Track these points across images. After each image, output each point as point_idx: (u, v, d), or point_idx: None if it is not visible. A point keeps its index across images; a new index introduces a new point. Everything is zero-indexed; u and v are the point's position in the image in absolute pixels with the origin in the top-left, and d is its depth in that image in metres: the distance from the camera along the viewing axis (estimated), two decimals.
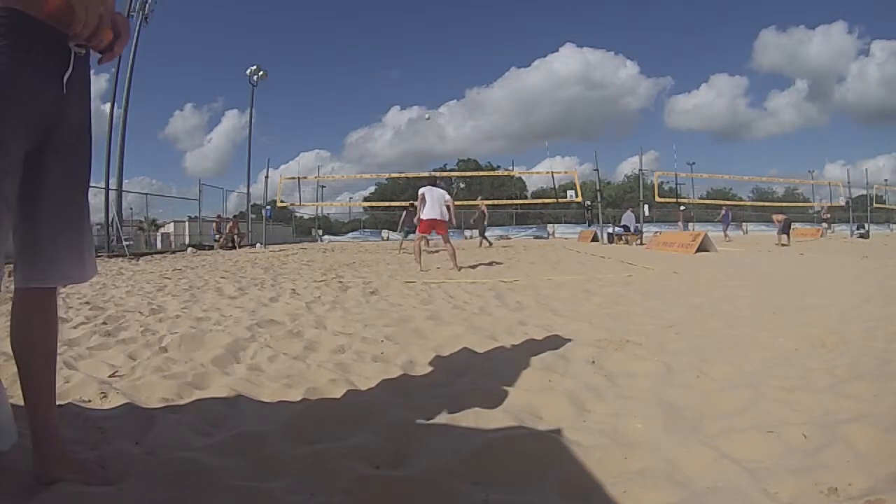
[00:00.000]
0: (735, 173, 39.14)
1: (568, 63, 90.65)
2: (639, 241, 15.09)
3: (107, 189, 13.68)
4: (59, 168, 1.04)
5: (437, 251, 10.66)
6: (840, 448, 1.22)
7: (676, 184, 26.94)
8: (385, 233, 29.64)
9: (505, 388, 1.77)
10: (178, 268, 8.00)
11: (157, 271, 7.31)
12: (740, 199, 42.07)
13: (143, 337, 2.66)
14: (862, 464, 1.15)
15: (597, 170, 19.53)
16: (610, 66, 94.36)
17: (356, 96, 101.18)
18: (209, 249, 16.13)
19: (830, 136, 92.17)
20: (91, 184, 1.20)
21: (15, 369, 1.10)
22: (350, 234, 33.04)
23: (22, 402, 1.11)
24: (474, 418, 1.50)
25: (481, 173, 43.89)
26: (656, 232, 17.71)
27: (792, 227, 16.90)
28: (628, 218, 16.48)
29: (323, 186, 28.46)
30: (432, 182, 7.64)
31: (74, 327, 2.92)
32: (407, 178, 29.58)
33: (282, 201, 21.31)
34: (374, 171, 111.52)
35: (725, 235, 18.19)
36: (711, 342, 2.45)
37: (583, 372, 2.00)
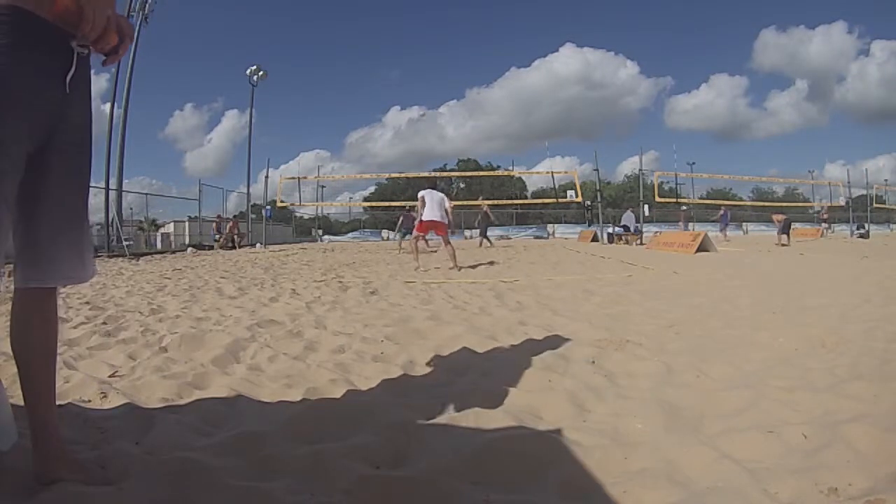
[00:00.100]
0: (735, 173, 39.13)
1: (568, 63, 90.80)
2: (639, 241, 15.09)
3: (107, 189, 13.69)
4: (61, 168, 1.04)
5: (435, 250, 10.67)
6: (840, 448, 1.22)
7: (676, 184, 26.95)
8: (385, 233, 29.66)
9: (505, 388, 1.77)
10: (178, 268, 8.00)
11: (157, 271, 7.31)
12: (740, 199, 42.09)
13: (143, 337, 2.66)
14: (862, 464, 1.15)
15: (597, 170, 19.56)
16: (610, 66, 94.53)
17: (356, 96, 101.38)
18: (209, 249, 16.13)
19: (830, 136, 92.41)
20: (91, 184, 1.20)
21: (15, 369, 1.10)
22: (350, 234, 33.06)
23: (22, 402, 1.11)
24: (474, 418, 1.50)
25: (481, 173, 43.93)
26: (656, 232, 17.72)
27: (792, 227, 16.90)
28: (628, 218, 16.48)
29: (323, 186, 28.49)
30: (432, 185, 7.72)
31: (74, 327, 2.92)
32: (407, 178, 29.61)
33: (282, 201, 21.30)
34: (374, 171, 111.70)
35: (725, 236, 18.19)
36: (711, 342, 2.45)
37: (583, 372, 1.99)
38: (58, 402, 1.33)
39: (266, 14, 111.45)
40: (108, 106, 14.40)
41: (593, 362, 2.13)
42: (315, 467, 1.21)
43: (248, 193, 22.59)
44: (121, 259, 10.67)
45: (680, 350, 2.32)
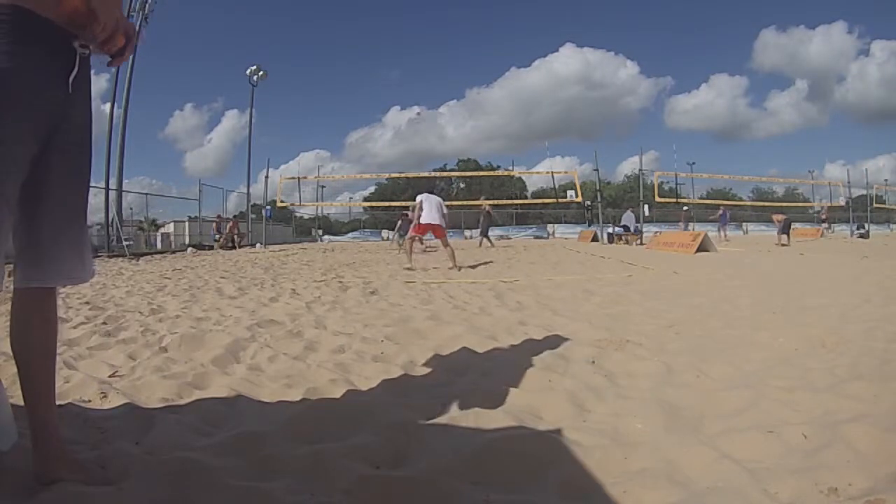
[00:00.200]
0: (735, 173, 39.10)
1: (568, 63, 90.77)
2: (639, 241, 15.09)
3: (107, 189, 13.68)
4: (63, 168, 1.04)
5: (435, 250, 10.67)
6: (840, 448, 1.22)
7: (676, 184, 26.94)
8: (385, 233, 29.62)
9: (505, 388, 1.77)
10: (178, 268, 8.00)
11: (157, 271, 7.31)
12: (740, 199, 42.08)
13: (143, 337, 2.66)
14: (862, 464, 1.15)
15: (597, 170, 19.56)
16: (610, 66, 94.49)
17: (356, 96, 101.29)
18: (209, 249, 16.13)
19: (830, 136, 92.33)
20: (91, 184, 1.20)
21: (15, 369, 1.10)
22: (350, 234, 33.06)
23: (22, 402, 1.11)
24: (474, 418, 1.50)
25: (481, 173, 43.90)
26: (656, 232, 17.72)
27: (792, 227, 16.90)
28: (628, 218, 16.48)
29: (323, 186, 28.48)
30: (430, 189, 7.85)
31: (74, 327, 2.92)
32: (407, 178, 29.63)
33: (282, 201, 21.31)
34: (374, 171, 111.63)
35: (725, 236, 18.18)
36: (711, 342, 2.45)
37: (583, 372, 1.99)
38: (58, 402, 1.33)
39: (266, 14, 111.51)
40: (108, 106, 14.42)
41: (593, 362, 2.13)
42: (315, 467, 1.21)
43: (248, 193, 22.61)
44: (121, 259, 10.67)
45: (680, 350, 2.32)
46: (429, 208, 7.32)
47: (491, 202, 17.26)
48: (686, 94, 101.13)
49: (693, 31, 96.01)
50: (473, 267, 7.41)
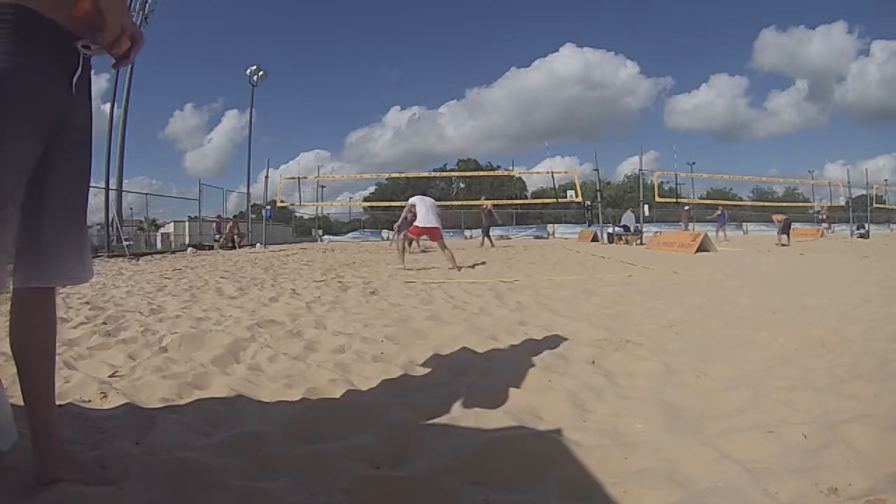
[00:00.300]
0: (735, 173, 39.08)
1: (568, 63, 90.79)
2: (639, 241, 15.09)
3: (107, 189, 13.68)
4: (65, 168, 1.05)
5: (434, 250, 10.66)
6: (840, 448, 1.22)
7: (676, 184, 26.93)
8: (385, 233, 29.63)
9: (505, 388, 1.77)
10: (178, 268, 8.00)
11: (157, 271, 7.31)
12: (740, 199, 42.08)
13: (143, 337, 2.66)
14: (862, 464, 1.15)
15: (597, 170, 19.55)
16: (610, 66, 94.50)
17: (356, 96, 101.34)
18: (209, 249, 16.13)
19: (830, 136, 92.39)
20: (91, 184, 1.20)
21: (15, 369, 1.10)
22: (350, 234, 33.06)
23: (22, 402, 1.11)
24: (474, 418, 1.50)
25: (481, 173, 43.91)
26: (656, 232, 17.72)
27: (792, 227, 16.90)
28: (628, 218, 16.47)
29: (323, 186, 28.47)
30: (423, 191, 7.83)
31: (74, 327, 2.92)
32: (407, 178, 29.62)
33: (282, 201, 21.30)
34: (374, 171, 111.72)
35: (725, 236, 18.18)
36: (711, 342, 2.45)
37: (583, 372, 2.00)
38: (58, 402, 1.34)
39: (266, 14, 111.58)
40: (108, 106, 14.42)
41: (593, 362, 2.13)
42: (315, 467, 1.21)
43: (248, 193, 22.60)
44: (121, 259, 10.67)
45: (680, 350, 2.32)
46: (425, 211, 7.28)
47: (492, 202, 17.23)
48: (686, 94, 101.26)
49: (693, 31, 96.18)
50: (472, 267, 7.41)
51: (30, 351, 1.09)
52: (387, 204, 32.61)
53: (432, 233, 7.33)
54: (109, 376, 1.99)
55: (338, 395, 1.76)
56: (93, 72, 1.13)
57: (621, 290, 4.48)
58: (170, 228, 24.79)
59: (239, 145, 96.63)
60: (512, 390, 1.75)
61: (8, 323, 1.09)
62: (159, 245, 20.56)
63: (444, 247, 7.32)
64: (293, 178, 22.29)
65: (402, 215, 7.81)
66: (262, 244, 18.64)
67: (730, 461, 1.19)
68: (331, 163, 75.30)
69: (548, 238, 28.46)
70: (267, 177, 21.26)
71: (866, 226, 24.39)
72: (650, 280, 5.34)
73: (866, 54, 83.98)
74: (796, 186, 37.22)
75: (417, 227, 7.32)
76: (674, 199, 22.86)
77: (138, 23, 14.14)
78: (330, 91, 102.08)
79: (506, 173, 34.50)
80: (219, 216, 20.33)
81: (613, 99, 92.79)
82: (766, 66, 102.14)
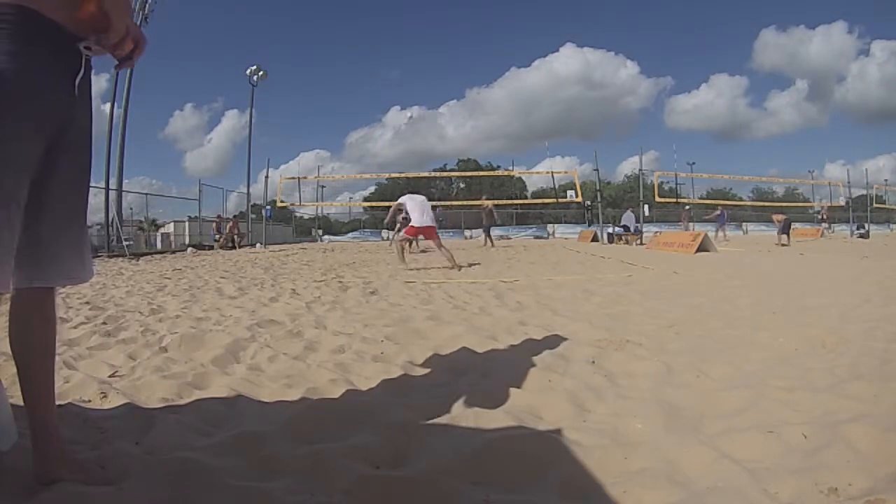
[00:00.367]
0: (735, 173, 39.09)
1: (568, 63, 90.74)
2: (639, 241, 15.09)
3: (107, 189, 13.69)
4: (66, 169, 1.05)
5: (434, 250, 10.66)
6: (840, 448, 1.22)
7: (676, 184, 26.94)
8: (385, 233, 29.63)
9: (505, 388, 1.77)
10: (178, 268, 8.00)
11: (157, 271, 7.31)
12: (740, 199, 42.08)
13: (143, 337, 2.66)
14: (862, 464, 1.15)
15: (597, 170, 19.56)
16: (610, 66, 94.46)
17: (356, 96, 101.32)
18: (209, 249, 16.13)
19: (830, 136, 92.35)
20: (91, 184, 1.20)
21: (15, 369, 1.10)
22: (350, 234, 33.06)
23: (22, 402, 1.11)
24: (474, 418, 1.50)
25: (481, 173, 43.93)
26: (656, 232, 17.72)
27: (792, 227, 16.89)
28: (628, 218, 16.48)
29: (323, 186, 28.47)
30: (413, 189, 7.80)
31: (74, 327, 2.92)
32: (407, 178, 29.58)
33: (282, 201, 21.29)
34: (374, 171, 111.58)
35: (724, 236, 18.17)
36: (711, 342, 2.45)
37: (583, 372, 2.00)
38: (58, 402, 1.33)
39: (266, 14, 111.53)
40: (108, 106, 14.42)
41: (593, 362, 2.13)
42: (315, 467, 1.21)
43: (248, 193, 22.61)
44: (121, 259, 10.67)
45: (680, 350, 2.32)
46: (420, 211, 7.20)
47: (493, 201, 17.21)
48: (686, 94, 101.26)
49: (693, 31, 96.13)
50: (470, 265, 7.41)
51: (30, 351, 1.09)
52: (387, 204, 32.47)
53: (428, 232, 7.27)
54: (109, 376, 1.99)
55: (338, 395, 1.76)
56: (93, 72, 1.13)
57: (621, 290, 4.48)
58: (170, 228, 24.80)
59: (239, 145, 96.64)
60: (512, 390, 1.75)
61: (8, 323, 1.09)
62: (159, 245, 20.56)
63: (440, 245, 7.29)
64: (293, 178, 22.29)
65: (389, 215, 7.80)
66: (262, 244, 18.64)
67: (730, 461, 1.19)
68: (331, 163, 75.32)
69: (548, 238, 28.46)
70: (267, 177, 21.29)
71: (866, 226, 24.39)
72: (650, 280, 5.34)
73: (866, 54, 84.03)
74: (796, 186, 37.25)
75: (413, 227, 7.25)
76: (674, 199, 22.87)
77: (138, 23, 14.16)
78: (330, 91, 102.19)
79: (506, 173, 34.51)
80: (219, 216, 20.33)
81: (613, 99, 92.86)
82: (766, 66, 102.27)
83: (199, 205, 20.14)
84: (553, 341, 2.49)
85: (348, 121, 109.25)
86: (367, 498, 1.09)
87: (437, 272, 6.57)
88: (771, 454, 1.24)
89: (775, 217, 16.09)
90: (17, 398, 1.20)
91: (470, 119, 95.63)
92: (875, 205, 26.59)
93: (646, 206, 18.12)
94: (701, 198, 26.89)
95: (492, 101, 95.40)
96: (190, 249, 15.15)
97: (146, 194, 20.58)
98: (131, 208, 20.71)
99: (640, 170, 19.17)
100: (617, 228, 17.27)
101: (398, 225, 14.53)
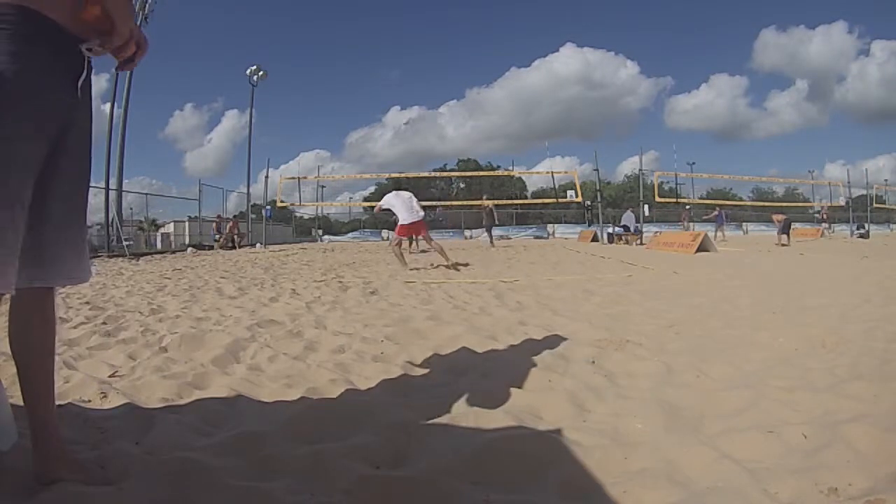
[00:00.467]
0: (735, 173, 39.07)
1: (568, 63, 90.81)
2: (639, 241, 15.09)
3: (107, 189, 13.69)
4: (67, 169, 1.05)
5: (425, 251, 10.66)
6: (840, 448, 1.22)
7: (676, 184, 26.93)
8: (385, 233, 29.64)
9: (505, 388, 1.77)
10: (178, 268, 8.00)
11: (157, 271, 7.31)
12: (740, 199, 42.08)
13: (143, 337, 2.66)
14: (862, 464, 1.15)
15: (597, 170, 19.55)
16: (610, 66, 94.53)
17: (356, 96, 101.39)
18: (209, 249, 16.13)
19: (830, 136, 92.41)
20: (91, 184, 1.21)
21: (15, 369, 1.10)
22: (350, 234, 33.08)
23: (22, 402, 1.11)
24: (474, 418, 1.50)
25: (481, 173, 43.91)
26: (656, 232, 17.72)
27: (792, 227, 16.89)
28: (628, 218, 16.48)
29: (323, 186, 28.45)
30: (397, 187, 7.77)
31: (74, 327, 2.92)
32: (407, 178, 29.57)
33: (282, 201, 21.29)
34: (374, 171, 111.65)
35: (723, 236, 18.17)
36: (711, 342, 2.45)
37: (583, 372, 2.00)
38: (58, 402, 1.34)
39: (266, 14, 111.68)
40: (108, 106, 14.43)
41: (593, 362, 2.13)
42: (315, 467, 1.21)
43: (248, 193, 22.62)
44: (121, 259, 10.67)
45: (680, 350, 2.32)
46: (407, 208, 7.08)
47: (494, 201, 17.19)
48: (686, 94, 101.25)
49: (693, 31, 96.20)
50: (466, 265, 7.40)
51: (29, 351, 1.09)
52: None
53: (417, 227, 7.16)
54: (109, 376, 1.99)
55: (338, 395, 1.76)
56: (93, 72, 1.13)
57: (621, 290, 4.48)
58: (170, 228, 24.80)
59: (239, 145, 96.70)
60: (512, 390, 1.75)
61: (8, 323, 1.09)
62: (159, 245, 20.57)
63: (429, 239, 7.18)
64: (293, 178, 22.28)
65: (377, 208, 7.73)
66: (262, 244, 18.64)
67: (730, 461, 1.19)
68: (331, 163, 75.29)
69: (548, 238, 28.46)
70: (267, 177, 21.29)
71: (866, 226, 24.39)
72: (650, 280, 5.34)
73: (866, 54, 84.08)
74: (796, 186, 37.24)
75: (403, 225, 7.13)
76: (674, 199, 22.88)
77: (138, 23, 14.16)
78: (330, 91, 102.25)
79: (506, 173, 34.50)
80: (219, 216, 20.34)
81: (613, 99, 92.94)
82: (766, 66, 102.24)
83: (199, 205, 20.18)
84: (553, 341, 2.49)
85: (348, 121, 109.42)
86: (367, 498, 1.09)
87: (437, 272, 6.57)
88: (771, 454, 1.24)
89: (775, 217, 16.09)
90: (17, 398, 1.20)
91: (470, 119, 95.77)
92: (875, 205, 26.59)
93: (646, 206, 18.12)
94: (701, 198, 26.89)
95: (492, 101, 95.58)
96: (190, 249, 15.15)
97: (146, 194, 20.62)
98: (131, 208, 20.74)
99: (640, 170, 19.18)
100: (617, 228, 17.27)
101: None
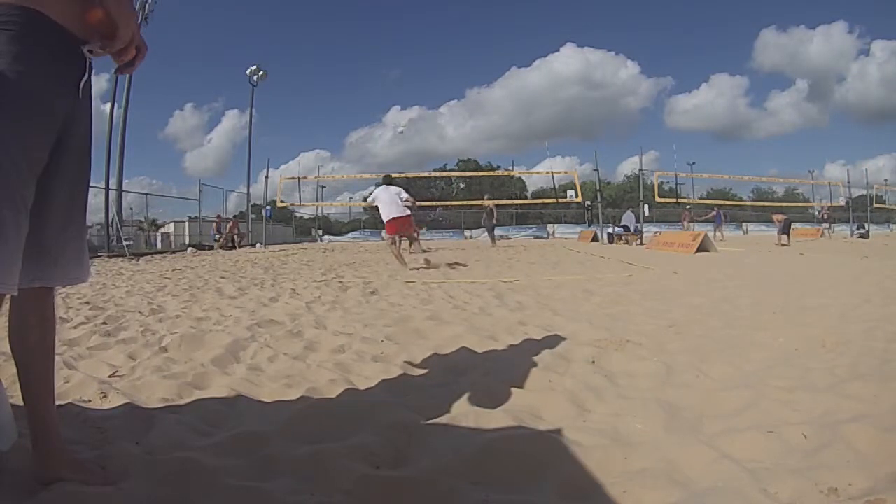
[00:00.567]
0: (735, 173, 39.22)
1: (568, 63, 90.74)
2: (639, 241, 15.10)
3: (107, 189, 13.69)
4: (68, 170, 1.06)
5: (436, 250, 10.66)
6: (840, 448, 1.22)
7: (676, 184, 26.99)
8: (385, 233, 29.64)
9: (505, 388, 1.77)
10: (178, 268, 8.00)
11: (157, 271, 7.31)
12: (740, 199, 42.08)
13: (143, 337, 2.66)
14: (862, 464, 1.15)
15: (597, 170, 19.55)
16: (610, 66, 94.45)
17: (356, 96, 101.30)
18: (209, 249, 16.14)
19: (830, 136, 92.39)
20: (91, 184, 1.21)
21: (15, 369, 1.10)
22: (350, 234, 33.07)
23: (22, 402, 1.11)
24: (474, 418, 1.50)
25: (481, 173, 43.86)
26: (656, 232, 17.71)
27: (792, 227, 16.89)
28: (628, 218, 16.48)
29: (323, 186, 28.45)
30: (388, 181, 7.53)
31: (74, 327, 2.92)
32: (407, 178, 29.58)
33: (282, 201, 21.30)
34: (375, 171, 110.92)
35: (721, 236, 18.17)
36: (711, 342, 2.45)
37: (583, 372, 2.00)
38: (58, 402, 1.34)
39: (266, 14, 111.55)
40: (108, 106, 14.42)
41: (593, 362, 2.13)
42: (315, 467, 1.21)
43: (248, 193, 22.62)
44: (121, 259, 10.67)
45: (680, 350, 2.32)
46: (388, 203, 6.87)
47: (495, 201, 17.17)
48: (686, 94, 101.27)
49: (693, 31, 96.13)
50: (465, 264, 7.40)
51: (29, 351, 1.09)
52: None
53: (401, 224, 6.94)
54: (109, 376, 1.99)
55: (338, 395, 1.75)
56: (93, 73, 1.14)
57: (621, 290, 4.48)
58: (170, 228, 24.81)
59: (239, 145, 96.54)
60: (512, 390, 1.75)
61: (7, 323, 1.09)
62: (159, 245, 20.58)
63: (413, 238, 6.97)
64: (293, 178, 22.29)
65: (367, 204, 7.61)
66: (262, 244, 18.65)
67: (730, 461, 1.19)
68: (331, 163, 75.12)
69: (548, 238, 28.46)
70: (267, 177, 21.30)
71: (866, 226, 24.39)
72: (650, 280, 5.34)
73: (866, 54, 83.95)
74: (796, 186, 37.17)
75: (387, 222, 6.93)
76: (674, 199, 22.90)
77: (138, 23, 14.14)
78: (330, 91, 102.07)
79: (506, 173, 34.44)
80: (219, 216, 20.34)
81: (614, 99, 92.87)
82: (766, 66, 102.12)
83: (199, 205, 20.18)
84: (553, 341, 2.49)
85: (348, 121, 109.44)
86: (367, 498, 1.09)
87: (437, 272, 6.57)
88: (771, 454, 1.24)
89: (775, 217, 16.09)
90: (17, 398, 1.20)
91: (470, 119, 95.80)
92: (875, 205, 26.60)
93: (646, 206, 18.13)
94: (701, 198, 26.91)
95: (492, 101, 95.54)
96: (190, 249, 15.15)
97: (146, 194, 20.60)
98: (131, 208, 20.74)
99: (640, 170, 19.20)
100: (617, 228, 17.27)
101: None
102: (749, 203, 39.65)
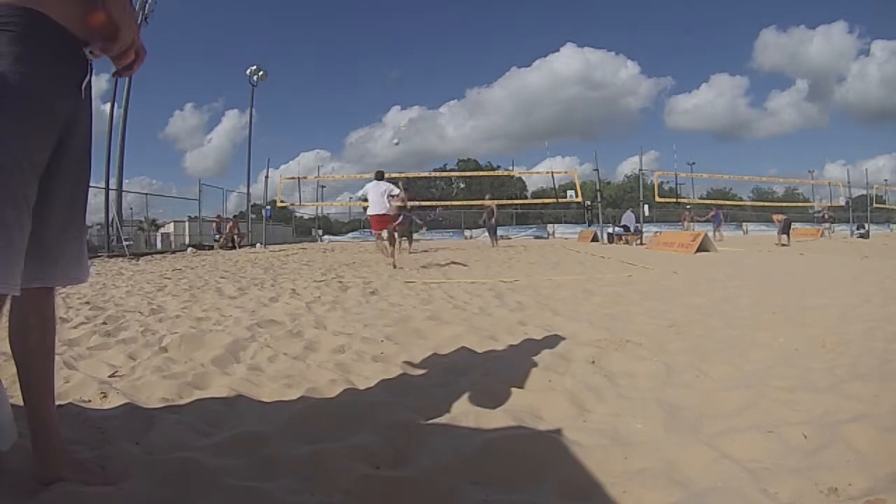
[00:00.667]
0: (735, 173, 39.24)
1: (568, 63, 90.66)
2: (639, 241, 15.10)
3: (107, 189, 13.68)
4: (69, 171, 1.06)
5: (436, 250, 10.65)
6: (840, 448, 1.22)
7: (676, 184, 26.96)
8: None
9: (505, 388, 1.77)
10: (178, 268, 8.00)
11: (157, 271, 7.31)
12: (740, 199, 42.09)
13: (143, 337, 2.66)
14: (862, 464, 1.15)
15: (597, 170, 19.54)
16: (610, 66, 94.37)
17: (356, 96, 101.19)
18: (209, 249, 16.14)
19: (830, 136, 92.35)
20: (91, 184, 1.21)
21: (15, 369, 1.11)
22: (350, 234, 33.06)
23: (22, 402, 1.11)
24: (474, 418, 1.50)
25: (481, 173, 43.86)
26: (656, 232, 17.71)
27: (792, 227, 16.89)
28: (628, 218, 16.48)
29: (323, 186, 28.43)
30: (379, 177, 7.46)
31: (74, 327, 2.92)
32: (407, 178, 29.60)
33: (282, 201, 21.30)
34: (374, 171, 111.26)
35: (720, 236, 18.17)
36: (711, 342, 2.45)
37: (583, 372, 2.00)
38: (58, 402, 1.34)
39: (266, 14, 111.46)
40: (108, 106, 14.42)
41: (593, 362, 2.13)
42: (315, 467, 1.21)
43: (248, 193, 22.60)
44: (121, 259, 10.67)
45: (680, 350, 2.32)
46: (374, 198, 6.79)
47: (496, 201, 17.14)
48: (686, 94, 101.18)
49: (693, 31, 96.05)
50: (463, 264, 7.40)
51: (29, 351, 1.09)
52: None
53: (383, 221, 6.83)
54: (109, 376, 1.99)
55: (338, 395, 1.76)
56: (93, 73, 1.14)
57: (621, 290, 4.48)
58: (170, 228, 24.80)
59: (239, 145, 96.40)
60: (512, 390, 1.75)
61: (7, 323, 1.09)
62: (159, 245, 20.57)
63: (393, 241, 6.87)
64: (293, 178, 22.29)
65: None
66: (262, 244, 18.64)
67: (730, 461, 1.19)
68: (331, 163, 74.93)
69: (548, 238, 28.45)
70: (267, 177, 21.28)
71: (866, 226, 24.39)
72: (650, 280, 5.35)
73: (866, 54, 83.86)
74: (796, 186, 37.15)
75: (372, 217, 6.86)
76: (674, 199, 22.90)
77: (138, 23, 14.14)
78: (330, 91, 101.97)
79: (506, 173, 34.40)
80: (219, 216, 20.34)
81: (614, 99, 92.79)
82: (766, 66, 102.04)
83: (199, 205, 20.17)
84: (553, 341, 2.49)
85: (348, 121, 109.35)
86: (367, 498, 1.09)
87: (437, 272, 6.57)
88: (771, 454, 1.24)
89: (775, 217, 16.09)
90: (17, 398, 1.20)
91: (470, 119, 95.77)
92: (875, 205, 26.61)
93: (646, 206, 18.13)
94: (701, 198, 26.88)
95: (492, 101, 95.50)
96: (190, 249, 15.15)
97: (146, 194, 20.58)
98: (131, 208, 20.72)
99: (640, 170, 19.20)
100: (617, 228, 17.27)
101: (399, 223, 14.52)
102: (749, 203, 39.66)
